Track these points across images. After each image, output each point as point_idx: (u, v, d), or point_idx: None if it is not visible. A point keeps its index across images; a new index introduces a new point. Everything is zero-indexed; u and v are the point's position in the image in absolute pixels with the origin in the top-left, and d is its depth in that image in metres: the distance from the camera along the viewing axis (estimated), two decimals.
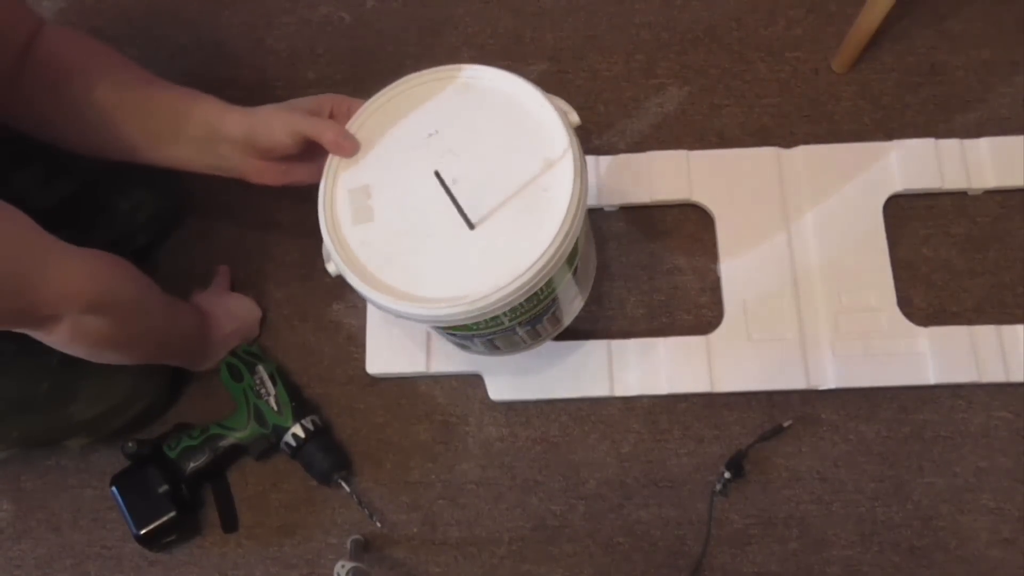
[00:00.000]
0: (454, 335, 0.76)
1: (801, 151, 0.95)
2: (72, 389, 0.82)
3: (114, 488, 0.86)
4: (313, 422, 0.87)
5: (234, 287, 0.96)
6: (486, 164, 0.68)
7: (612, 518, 0.88)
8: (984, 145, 0.94)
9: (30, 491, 0.92)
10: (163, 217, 0.96)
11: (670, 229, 0.96)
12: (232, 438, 0.87)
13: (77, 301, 0.67)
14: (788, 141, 0.96)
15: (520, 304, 0.67)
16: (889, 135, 0.96)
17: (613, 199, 0.95)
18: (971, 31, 1.01)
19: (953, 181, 0.93)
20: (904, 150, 0.94)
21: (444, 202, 0.67)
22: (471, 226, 0.66)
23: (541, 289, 0.67)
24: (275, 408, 0.87)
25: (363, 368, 0.92)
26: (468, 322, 0.67)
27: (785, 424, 0.88)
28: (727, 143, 0.98)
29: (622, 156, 0.97)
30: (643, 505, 0.88)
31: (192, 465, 0.87)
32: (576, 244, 0.69)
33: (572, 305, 0.82)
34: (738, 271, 0.92)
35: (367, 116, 0.72)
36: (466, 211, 0.66)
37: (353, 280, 0.67)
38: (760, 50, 1.02)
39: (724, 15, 1.04)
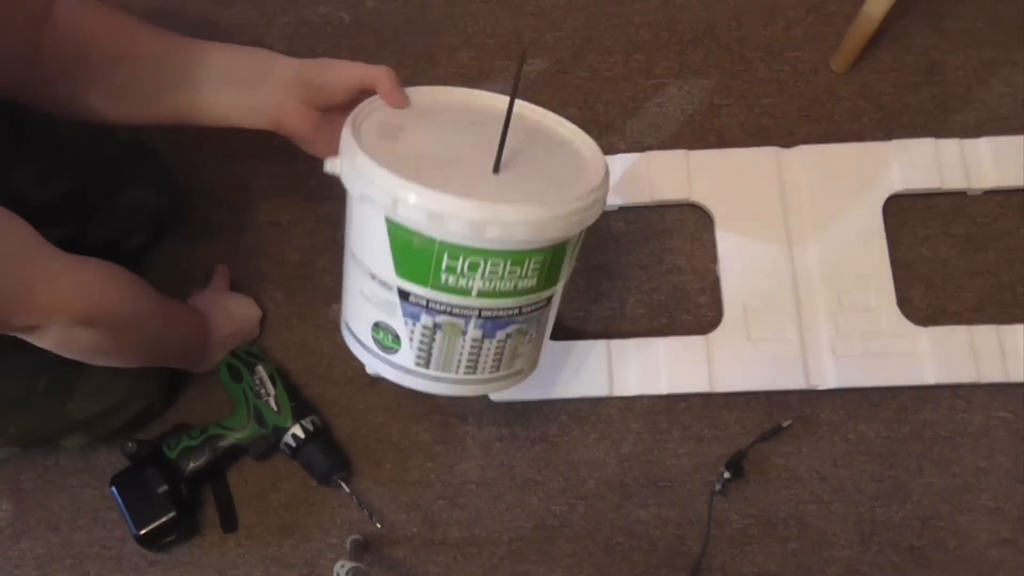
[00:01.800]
0: (408, 302, 0.69)
1: (800, 151, 0.95)
2: (69, 386, 0.82)
3: (114, 488, 0.86)
4: (313, 422, 0.87)
5: (233, 287, 0.96)
6: (521, 149, 0.71)
7: (612, 518, 0.88)
8: (983, 145, 0.94)
9: (30, 491, 0.92)
10: (162, 216, 0.96)
11: (670, 229, 0.96)
12: (232, 438, 0.87)
13: (64, 315, 0.66)
14: (787, 141, 0.97)
15: (504, 268, 0.65)
16: (888, 135, 0.96)
17: (613, 199, 0.95)
18: (970, 30, 1.01)
19: (952, 181, 0.93)
20: (903, 150, 0.94)
21: (472, 147, 0.68)
22: (496, 169, 0.67)
23: (536, 264, 0.66)
24: (275, 408, 0.87)
25: (362, 368, 0.92)
26: (452, 240, 0.63)
27: (784, 424, 0.88)
28: (726, 143, 0.98)
29: (621, 156, 0.97)
30: (643, 505, 0.88)
31: (192, 465, 0.87)
32: (579, 241, 0.69)
33: (518, 359, 0.75)
34: (737, 271, 0.92)
35: (420, 91, 0.74)
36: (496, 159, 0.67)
37: (356, 155, 0.65)
38: (759, 50, 1.02)
39: (723, 15, 1.04)
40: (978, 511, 0.86)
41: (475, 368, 0.72)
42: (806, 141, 0.96)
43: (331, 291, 0.96)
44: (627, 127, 1.00)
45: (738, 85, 1.01)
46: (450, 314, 0.68)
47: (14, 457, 0.92)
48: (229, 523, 0.89)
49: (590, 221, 0.67)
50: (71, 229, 0.85)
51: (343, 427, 0.92)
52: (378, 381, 0.93)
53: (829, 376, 0.88)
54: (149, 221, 0.94)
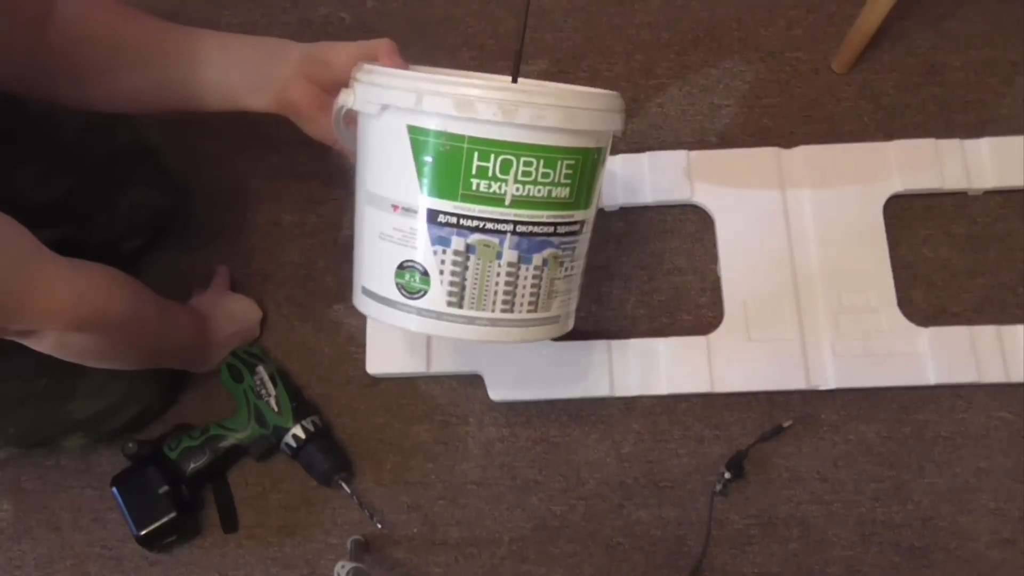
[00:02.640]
0: (437, 224, 0.65)
1: (801, 151, 0.95)
2: (70, 387, 0.82)
3: (114, 488, 0.86)
4: (314, 423, 0.87)
5: (234, 288, 0.96)
6: None
7: (612, 518, 0.88)
8: (984, 145, 0.94)
9: (30, 491, 0.92)
10: (163, 216, 0.96)
11: (670, 229, 0.96)
12: (233, 439, 0.87)
13: (61, 320, 0.66)
14: (788, 141, 0.96)
15: (537, 169, 0.63)
16: (889, 135, 0.96)
17: (613, 199, 0.95)
18: (971, 31, 1.01)
19: (953, 181, 0.93)
20: (904, 150, 0.94)
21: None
22: (514, 79, 0.66)
23: (568, 168, 0.65)
24: (276, 409, 0.87)
25: (363, 368, 0.92)
26: (482, 132, 0.62)
27: (785, 424, 0.88)
28: (727, 143, 0.98)
29: (622, 156, 0.97)
30: (643, 505, 0.88)
31: (192, 466, 0.87)
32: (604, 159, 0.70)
33: (554, 300, 0.72)
34: (738, 271, 0.92)
35: (420, 68, 0.74)
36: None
37: (372, 71, 0.66)
38: (760, 50, 1.02)
39: (724, 15, 1.04)
40: (979, 511, 0.86)
41: (512, 304, 0.68)
42: (807, 141, 0.96)
43: (332, 291, 0.96)
44: (628, 127, 1.00)
45: (739, 85, 1.01)
46: (483, 231, 0.65)
47: (14, 457, 0.92)
48: (230, 523, 0.89)
49: (615, 126, 0.67)
50: (71, 229, 0.84)
51: (344, 427, 0.92)
52: (379, 381, 0.93)
53: (830, 376, 0.88)
54: (149, 221, 0.94)
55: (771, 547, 0.86)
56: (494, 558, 0.88)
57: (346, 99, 0.67)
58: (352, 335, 0.94)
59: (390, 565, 0.88)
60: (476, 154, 0.62)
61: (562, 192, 0.66)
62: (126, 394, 0.85)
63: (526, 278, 0.68)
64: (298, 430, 0.86)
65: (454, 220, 0.64)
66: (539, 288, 0.69)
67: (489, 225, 0.65)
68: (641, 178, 0.95)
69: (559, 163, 0.64)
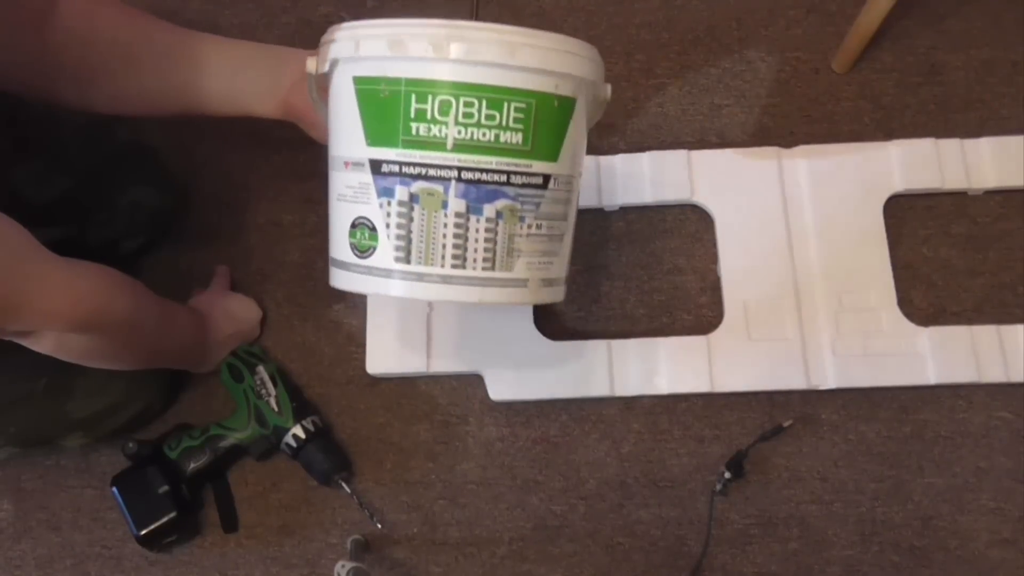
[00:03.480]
0: (381, 174, 0.63)
1: (801, 151, 0.95)
2: (69, 386, 0.82)
3: (114, 488, 0.86)
4: (314, 423, 0.87)
5: (234, 287, 0.96)
6: None
7: (612, 518, 0.88)
8: (984, 145, 0.94)
9: (30, 491, 0.92)
10: (163, 216, 0.96)
11: (670, 229, 0.96)
12: (233, 439, 0.87)
13: (60, 321, 0.67)
14: (788, 141, 0.97)
15: (480, 110, 0.61)
16: (889, 135, 0.96)
17: (613, 199, 0.95)
18: (971, 31, 1.01)
19: (953, 181, 0.93)
20: (904, 150, 0.94)
21: None
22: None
23: (517, 112, 0.62)
24: (276, 409, 0.87)
25: (363, 368, 0.92)
26: (418, 74, 0.60)
27: (785, 424, 0.88)
28: (727, 143, 0.98)
29: (622, 156, 0.97)
30: (643, 505, 0.88)
31: (193, 465, 0.87)
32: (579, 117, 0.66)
33: (517, 259, 0.66)
34: (738, 271, 0.92)
35: None
36: None
37: (344, 25, 0.64)
38: (760, 50, 1.02)
39: (724, 15, 1.04)
40: (979, 511, 0.86)
41: (464, 259, 0.64)
42: (807, 141, 0.96)
43: (332, 291, 0.95)
44: (627, 127, 1.00)
45: (739, 85, 1.01)
46: (426, 178, 0.62)
47: (14, 457, 0.92)
48: (230, 523, 0.89)
49: (577, 71, 0.64)
50: (71, 229, 0.85)
51: (344, 427, 0.92)
52: (379, 381, 0.93)
53: (830, 376, 0.88)
54: (149, 221, 0.94)
55: (771, 547, 0.86)
56: (494, 558, 0.88)
57: (310, 65, 0.66)
58: (352, 335, 0.95)
59: (390, 565, 0.88)
60: (414, 96, 0.61)
61: (513, 137, 0.62)
62: (126, 394, 0.85)
63: (477, 231, 0.64)
64: (298, 430, 0.86)
65: (396, 168, 0.62)
66: (494, 244, 0.64)
67: (432, 171, 0.62)
68: (641, 178, 0.95)
69: (505, 105, 0.61)
